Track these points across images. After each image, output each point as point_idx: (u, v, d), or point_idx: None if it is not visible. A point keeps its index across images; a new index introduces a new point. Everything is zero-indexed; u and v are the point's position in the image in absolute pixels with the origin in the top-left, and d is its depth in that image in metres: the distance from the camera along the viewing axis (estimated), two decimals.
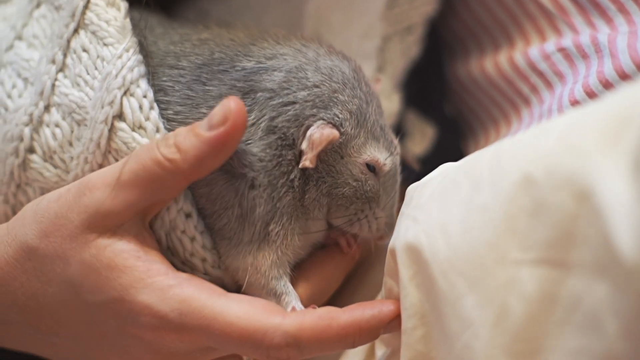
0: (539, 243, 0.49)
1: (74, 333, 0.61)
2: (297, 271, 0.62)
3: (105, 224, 0.58)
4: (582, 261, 0.47)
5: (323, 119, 0.59)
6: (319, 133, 0.59)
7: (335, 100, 0.60)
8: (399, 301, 0.57)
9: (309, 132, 0.59)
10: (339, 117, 0.60)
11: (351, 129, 0.60)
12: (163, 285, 0.57)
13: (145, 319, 0.57)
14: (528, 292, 0.49)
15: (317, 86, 0.60)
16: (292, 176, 0.60)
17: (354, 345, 0.57)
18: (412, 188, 0.58)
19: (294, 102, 0.59)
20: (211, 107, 0.59)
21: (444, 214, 0.54)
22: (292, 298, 0.60)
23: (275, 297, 0.60)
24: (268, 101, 0.60)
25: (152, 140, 0.59)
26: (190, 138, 0.57)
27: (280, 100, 0.60)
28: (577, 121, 0.49)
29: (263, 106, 0.60)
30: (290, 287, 0.61)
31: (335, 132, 0.59)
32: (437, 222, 0.54)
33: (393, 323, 0.57)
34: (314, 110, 0.59)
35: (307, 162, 0.59)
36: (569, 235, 0.48)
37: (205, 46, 0.63)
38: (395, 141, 0.63)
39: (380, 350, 0.61)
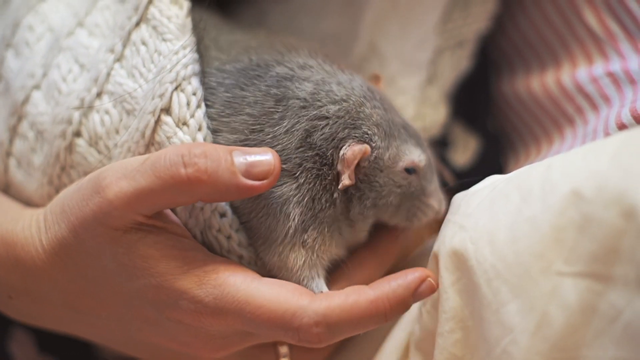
0: (584, 256, 0.50)
1: (116, 315, 0.61)
2: (338, 271, 0.63)
3: (119, 225, 0.58)
4: (625, 276, 0.49)
5: (353, 138, 0.60)
6: (350, 151, 0.59)
7: (362, 115, 0.61)
8: (424, 268, 0.58)
9: (341, 153, 0.60)
10: (368, 134, 0.61)
11: (381, 142, 0.61)
12: (199, 272, 0.58)
13: (184, 303, 0.58)
14: (569, 303, 0.50)
15: (345, 100, 0.61)
16: (334, 195, 0.60)
17: (386, 319, 0.57)
18: (460, 197, 0.60)
19: (326, 117, 0.60)
20: (248, 115, 0.60)
21: (492, 223, 0.55)
22: None
23: None
24: (301, 110, 0.60)
25: (177, 152, 0.57)
26: (225, 171, 0.57)
27: (314, 112, 0.60)
28: (629, 142, 0.51)
29: (295, 113, 0.60)
30: (325, 287, 0.61)
31: (365, 146, 0.60)
32: (484, 230, 0.55)
33: (422, 290, 0.57)
34: (346, 131, 0.60)
35: (345, 180, 0.59)
36: (614, 251, 0.49)
37: (246, 54, 0.64)
38: (416, 129, 0.65)
39: (415, 356, 0.61)
